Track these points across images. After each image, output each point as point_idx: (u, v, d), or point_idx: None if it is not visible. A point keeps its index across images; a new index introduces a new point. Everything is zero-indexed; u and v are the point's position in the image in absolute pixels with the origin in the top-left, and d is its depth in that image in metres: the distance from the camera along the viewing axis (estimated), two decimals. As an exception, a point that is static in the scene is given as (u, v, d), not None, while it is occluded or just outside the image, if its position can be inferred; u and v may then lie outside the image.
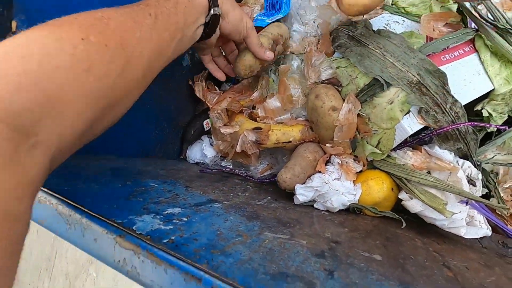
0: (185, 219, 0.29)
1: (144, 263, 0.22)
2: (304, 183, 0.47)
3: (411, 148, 0.47)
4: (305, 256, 0.27)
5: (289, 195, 0.48)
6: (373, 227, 0.43)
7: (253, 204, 0.40)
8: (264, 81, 0.58)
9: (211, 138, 0.62)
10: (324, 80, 0.48)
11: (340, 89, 0.47)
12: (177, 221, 0.28)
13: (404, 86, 0.39)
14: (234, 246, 0.25)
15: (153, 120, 0.52)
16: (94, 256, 0.24)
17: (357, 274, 0.26)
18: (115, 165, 0.43)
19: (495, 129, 0.46)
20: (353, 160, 0.49)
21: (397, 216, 0.43)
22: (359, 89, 0.43)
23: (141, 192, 0.34)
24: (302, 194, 0.45)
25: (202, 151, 0.59)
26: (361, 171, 0.50)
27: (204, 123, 0.60)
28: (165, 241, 0.23)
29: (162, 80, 0.51)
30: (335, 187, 0.47)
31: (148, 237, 0.23)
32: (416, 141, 0.47)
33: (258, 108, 0.57)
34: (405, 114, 0.41)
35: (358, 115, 0.45)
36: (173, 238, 0.24)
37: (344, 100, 0.46)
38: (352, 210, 0.49)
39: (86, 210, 0.25)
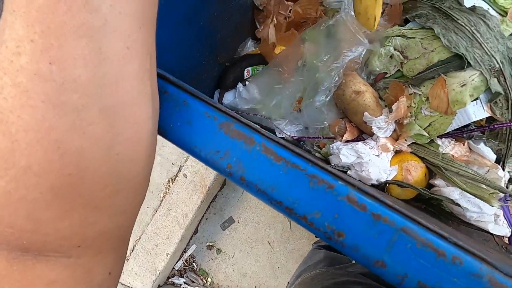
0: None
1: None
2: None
3: (454, 140, 0.47)
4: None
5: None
6: (405, 206, 0.43)
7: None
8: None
9: (245, 87, 0.57)
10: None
11: (405, 62, 0.45)
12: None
13: (484, 70, 0.38)
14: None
15: (200, 43, 0.47)
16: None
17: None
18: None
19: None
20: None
21: (430, 193, 0.43)
22: (430, 64, 0.42)
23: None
24: (345, 155, 0.43)
25: (235, 96, 0.55)
26: (398, 152, 0.49)
27: (245, 70, 0.55)
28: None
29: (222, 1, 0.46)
30: (373, 160, 0.46)
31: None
32: (457, 133, 0.47)
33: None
34: (473, 100, 0.40)
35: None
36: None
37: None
38: (381, 188, 0.48)
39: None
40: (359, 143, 0.45)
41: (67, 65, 0.15)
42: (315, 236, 1.35)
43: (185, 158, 1.49)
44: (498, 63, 0.38)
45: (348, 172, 0.46)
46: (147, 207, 1.52)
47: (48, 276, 0.16)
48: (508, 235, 0.43)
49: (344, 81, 0.47)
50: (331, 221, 0.17)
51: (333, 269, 0.50)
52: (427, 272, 0.15)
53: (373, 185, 0.47)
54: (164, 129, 0.20)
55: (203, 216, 1.50)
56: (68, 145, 0.15)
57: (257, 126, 0.19)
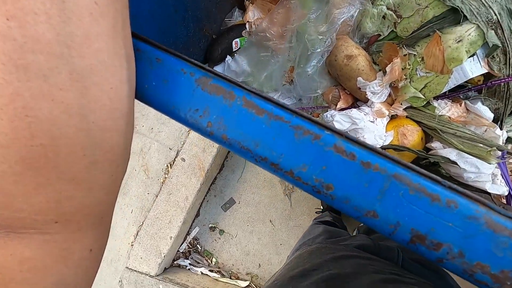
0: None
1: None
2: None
3: (450, 101, 0.45)
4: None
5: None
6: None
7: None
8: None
9: (234, 59, 0.55)
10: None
11: (399, 21, 0.43)
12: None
13: (481, 23, 0.36)
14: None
15: (182, 11, 0.44)
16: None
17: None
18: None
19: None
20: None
21: (427, 155, 0.42)
22: (424, 21, 0.40)
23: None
24: (339, 121, 0.42)
25: (224, 70, 0.53)
26: (394, 117, 0.48)
27: (233, 42, 0.53)
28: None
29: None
30: (368, 126, 0.45)
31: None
32: (454, 94, 0.46)
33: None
34: (470, 57, 0.38)
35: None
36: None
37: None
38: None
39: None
40: (353, 109, 0.44)
41: (28, 21, 0.13)
42: (315, 212, 1.36)
43: (182, 142, 1.48)
44: (495, 14, 0.36)
45: (343, 140, 0.45)
46: (148, 193, 1.52)
47: (22, 254, 0.15)
48: (506, 193, 0.43)
49: (335, 45, 0.45)
50: (319, 174, 0.16)
51: (331, 244, 0.50)
52: (420, 219, 0.15)
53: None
54: (139, 91, 0.19)
55: (204, 198, 1.51)
56: (37, 113, 0.14)
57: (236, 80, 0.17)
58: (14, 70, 0.13)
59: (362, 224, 1.24)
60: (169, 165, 1.51)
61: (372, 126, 0.45)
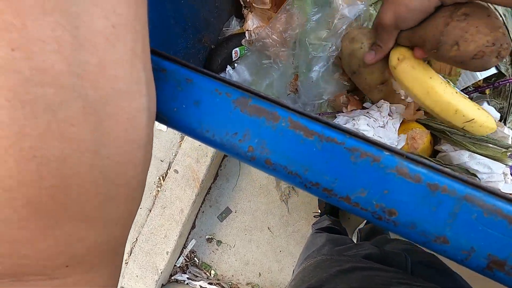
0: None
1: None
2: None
3: (456, 103, 0.45)
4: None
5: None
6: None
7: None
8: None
9: (233, 68, 0.54)
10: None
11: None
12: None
13: (488, 25, 0.36)
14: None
15: (182, 22, 0.43)
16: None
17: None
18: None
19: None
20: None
21: (443, 164, 0.42)
22: (429, 26, 0.40)
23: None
24: (352, 131, 0.41)
25: (224, 78, 0.51)
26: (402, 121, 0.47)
27: (233, 51, 0.51)
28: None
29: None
30: (378, 133, 0.44)
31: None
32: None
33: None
34: (477, 58, 0.38)
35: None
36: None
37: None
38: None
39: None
40: (361, 118, 0.43)
41: (35, 51, 0.11)
42: (314, 217, 1.35)
43: (174, 154, 1.45)
44: (501, 16, 0.36)
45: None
46: (140, 208, 1.47)
47: None
48: (517, 192, 0.43)
49: (347, 41, 0.43)
50: (380, 199, 0.15)
51: (337, 255, 0.49)
52: (498, 243, 0.13)
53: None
54: (165, 115, 0.17)
55: (199, 210, 1.47)
56: (45, 153, 0.12)
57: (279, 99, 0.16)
58: (20, 106, 0.11)
59: (362, 226, 1.24)
60: (161, 178, 1.47)
61: (382, 133, 0.44)
